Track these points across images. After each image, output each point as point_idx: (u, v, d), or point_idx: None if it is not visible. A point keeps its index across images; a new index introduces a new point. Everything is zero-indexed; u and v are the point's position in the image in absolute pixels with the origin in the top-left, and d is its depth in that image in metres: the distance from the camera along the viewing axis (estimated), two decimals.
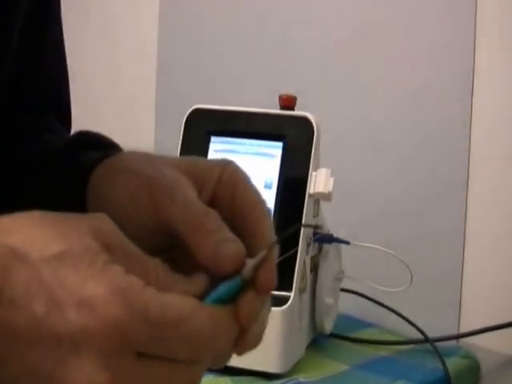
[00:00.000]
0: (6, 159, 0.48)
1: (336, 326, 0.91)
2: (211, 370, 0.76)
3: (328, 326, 0.88)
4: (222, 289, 0.33)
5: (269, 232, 0.37)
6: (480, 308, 0.92)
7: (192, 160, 0.40)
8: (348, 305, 0.97)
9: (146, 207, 0.37)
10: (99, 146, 0.44)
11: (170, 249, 0.38)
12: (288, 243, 0.75)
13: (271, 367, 0.76)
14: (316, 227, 0.81)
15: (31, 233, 0.31)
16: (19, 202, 0.40)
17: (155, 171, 0.38)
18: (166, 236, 0.37)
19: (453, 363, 0.85)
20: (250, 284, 0.34)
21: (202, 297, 0.32)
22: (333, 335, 0.90)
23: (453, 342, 0.92)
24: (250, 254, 0.35)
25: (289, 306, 0.75)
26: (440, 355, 0.84)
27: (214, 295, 0.33)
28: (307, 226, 0.79)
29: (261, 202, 0.38)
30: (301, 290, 0.78)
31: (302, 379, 0.77)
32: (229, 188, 0.38)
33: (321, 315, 0.85)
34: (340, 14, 1.11)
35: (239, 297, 0.33)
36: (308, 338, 0.86)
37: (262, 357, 0.75)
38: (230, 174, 0.39)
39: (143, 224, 0.37)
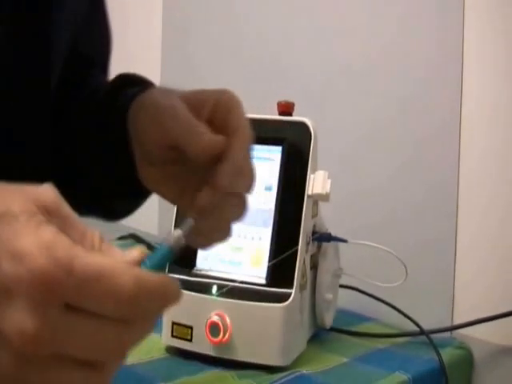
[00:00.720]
0: (66, 107, 0.58)
1: (336, 320, 0.91)
2: (205, 362, 0.78)
3: (328, 320, 0.88)
4: (152, 257, 0.35)
5: (239, 154, 0.48)
6: (472, 301, 0.91)
7: (197, 91, 0.51)
8: (347, 300, 0.98)
9: (158, 129, 0.49)
10: (137, 83, 0.56)
11: (175, 162, 0.49)
12: (288, 243, 0.78)
13: (274, 361, 0.77)
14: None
15: None
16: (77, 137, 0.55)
17: (166, 102, 0.49)
18: (171, 150, 0.48)
19: (447, 354, 0.86)
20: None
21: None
22: (333, 329, 0.91)
23: (447, 334, 0.92)
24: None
25: (290, 303, 0.76)
26: (435, 346, 0.85)
27: (144, 263, 0.35)
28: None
29: (245, 126, 0.49)
30: (301, 287, 0.79)
31: (304, 371, 0.77)
32: (223, 113, 0.48)
33: (321, 310, 0.86)
34: (338, 24, 1.12)
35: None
36: (309, 332, 0.87)
37: (266, 351, 0.77)
38: (227, 100, 0.49)
39: (157, 143, 0.49)
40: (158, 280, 0.33)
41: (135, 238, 1.31)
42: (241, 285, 0.78)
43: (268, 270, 0.78)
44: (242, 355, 0.78)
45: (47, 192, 0.35)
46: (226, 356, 0.78)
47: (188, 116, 0.48)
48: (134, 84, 0.56)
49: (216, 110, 0.49)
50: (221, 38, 1.38)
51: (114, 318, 0.33)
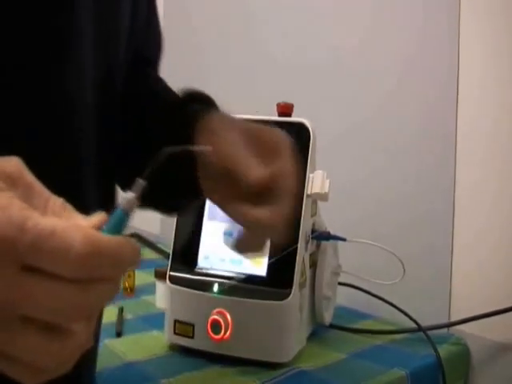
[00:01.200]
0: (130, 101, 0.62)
1: (335, 317, 0.92)
2: (207, 359, 0.79)
3: (327, 317, 0.89)
4: (108, 222, 0.35)
5: (286, 199, 0.52)
6: (469, 298, 0.92)
7: (255, 126, 0.56)
8: (346, 297, 0.99)
9: (214, 154, 0.53)
10: (201, 100, 0.60)
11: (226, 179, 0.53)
12: (288, 242, 0.79)
13: (275, 357, 0.78)
14: None
15: None
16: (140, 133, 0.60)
17: (225, 133, 0.54)
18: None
19: (444, 350, 0.87)
20: None
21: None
22: (332, 326, 0.92)
23: (444, 330, 0.93)
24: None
25: (290, 300, 0.76)
26: (432, 343, 0.86)
27: (102, 229, 0.35)
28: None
29: (291, 171, 0.53)
30: (301, 285, 0.79)
31: (304, 368, 0.78)
32: (273, 152, 0.54)
33: (320, 308, 0.87)
34: (337, 26, 1.13)
35: None
36: (309, 329, 0.87)
37: (266, 347, 0.78)
38: (276, 142, 0.55)
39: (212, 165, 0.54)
40: (112, 240, 0.33)
41: (138, 238, 1.32)
42: (241, 283, 0.78)
43: (268, 269, 0.79)
44: (242, 352, 0.79)
45: (10, 162, 0.36)
46: (227, 353, 0.79)
47: (242, 153, 0.53)
48: (200, 100, 0.60)
49: (267, 148, 0.54)
50: (221, 39, 1.39)
51: (68, 278, 0.32)
